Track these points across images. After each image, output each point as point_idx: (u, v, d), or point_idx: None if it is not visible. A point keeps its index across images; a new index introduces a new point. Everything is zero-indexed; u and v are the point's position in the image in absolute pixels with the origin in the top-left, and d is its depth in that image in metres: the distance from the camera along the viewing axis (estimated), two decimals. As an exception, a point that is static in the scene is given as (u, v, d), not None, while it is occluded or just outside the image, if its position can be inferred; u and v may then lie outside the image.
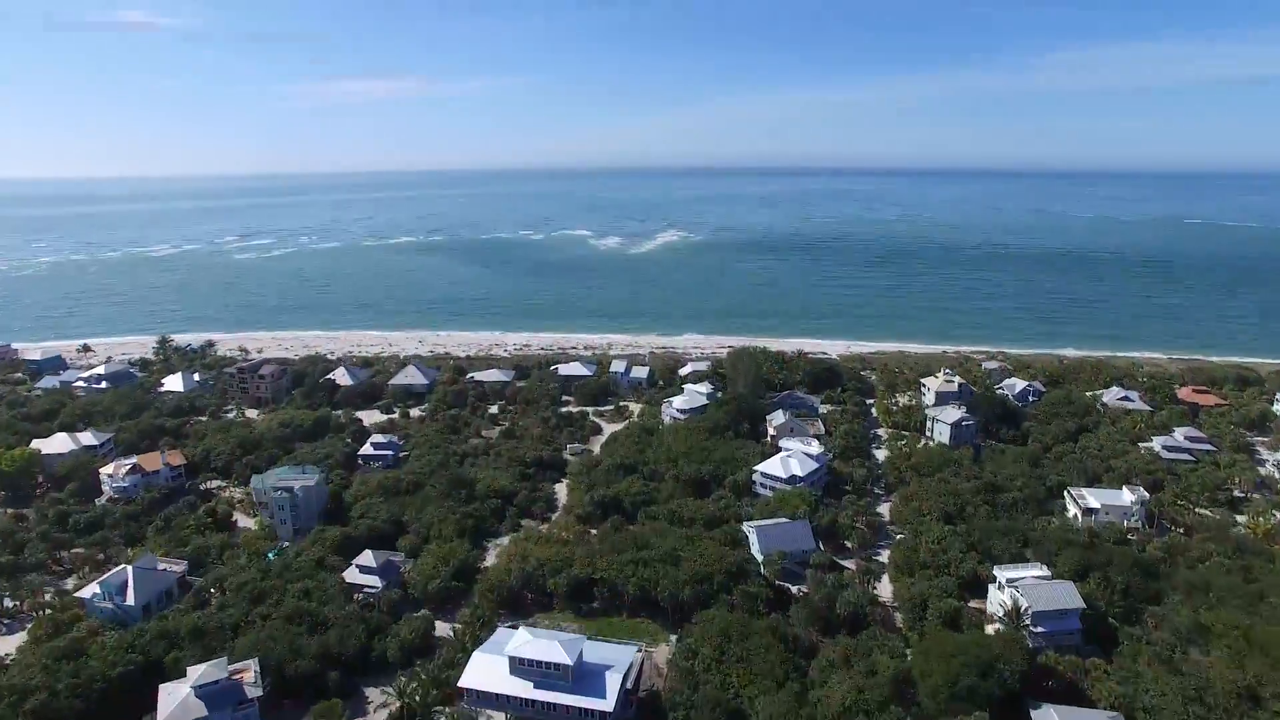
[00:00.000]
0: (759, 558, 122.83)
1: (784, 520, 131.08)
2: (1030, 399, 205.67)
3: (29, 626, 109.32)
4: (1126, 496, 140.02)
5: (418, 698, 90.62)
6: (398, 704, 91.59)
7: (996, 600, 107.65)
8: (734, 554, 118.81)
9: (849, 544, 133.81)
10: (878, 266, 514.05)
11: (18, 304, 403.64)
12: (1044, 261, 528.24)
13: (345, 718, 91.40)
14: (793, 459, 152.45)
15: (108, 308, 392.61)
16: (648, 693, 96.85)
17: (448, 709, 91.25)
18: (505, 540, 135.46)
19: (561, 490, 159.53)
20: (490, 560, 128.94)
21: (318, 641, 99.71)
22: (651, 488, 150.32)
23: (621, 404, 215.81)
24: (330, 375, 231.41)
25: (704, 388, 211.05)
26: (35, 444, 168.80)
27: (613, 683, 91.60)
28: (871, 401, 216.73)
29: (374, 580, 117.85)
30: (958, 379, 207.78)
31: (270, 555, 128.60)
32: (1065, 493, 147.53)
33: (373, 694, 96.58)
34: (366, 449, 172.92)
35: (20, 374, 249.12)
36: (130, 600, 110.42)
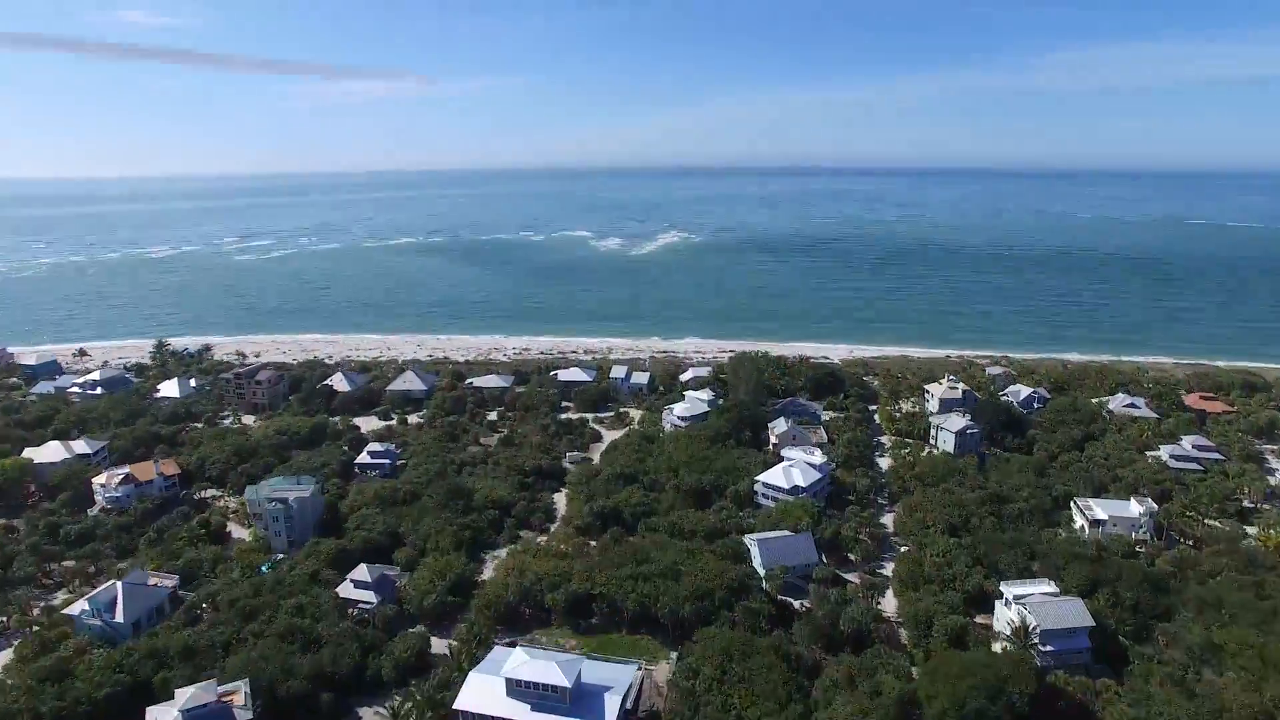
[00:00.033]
0: (761, 572, 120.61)
1: (786, 533, 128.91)
2: (1035, 405, 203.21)
3: (16, 644, 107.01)
4: (1134, 508, 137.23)
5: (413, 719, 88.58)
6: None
7: (1004, 618, 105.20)
8: (735, 569, 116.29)
9: (852, 556, 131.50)
10: (878, 268, 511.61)
11: (16, 307, 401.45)
12: (1045, 263, 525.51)
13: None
14: (795, 468, 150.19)
15: (106, 311, 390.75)
16: (647, 713, 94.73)
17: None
18: (503, 552, 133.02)
19: (561, 500, 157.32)
20: (488, 573, 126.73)
21: (310, 661, 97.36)
22: (652, 498, 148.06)
23: (622, 410, 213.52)
24: (328, 381, 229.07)
25: (705, 394, 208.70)
26: (28, 452, 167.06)
27: (611, 705, 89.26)
28: (874, 408, 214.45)
29: (369, 595, 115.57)
30: (962, 385, 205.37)
31: (264, 568, 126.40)
32: (1072, 503, 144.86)
33: (366, 715, 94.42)
34: (363, 457, 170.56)
35: (15, 379, 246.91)
36: (119, 617, 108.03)
